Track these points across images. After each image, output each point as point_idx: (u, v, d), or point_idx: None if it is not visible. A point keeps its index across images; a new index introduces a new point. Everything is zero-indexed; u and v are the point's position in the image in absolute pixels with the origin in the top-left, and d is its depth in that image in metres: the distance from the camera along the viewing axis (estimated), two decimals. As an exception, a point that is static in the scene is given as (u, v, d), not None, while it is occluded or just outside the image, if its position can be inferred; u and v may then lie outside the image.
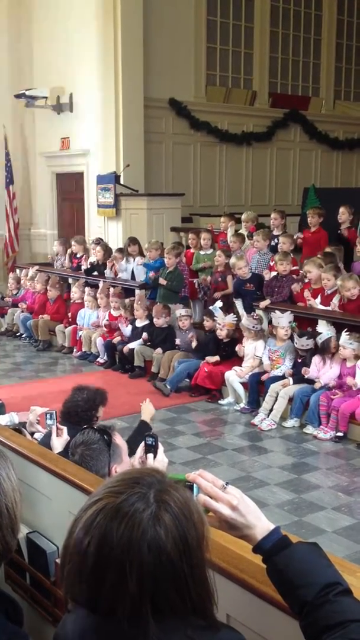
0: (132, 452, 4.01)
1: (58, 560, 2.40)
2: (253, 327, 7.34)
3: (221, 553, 1.67)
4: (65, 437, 3.29)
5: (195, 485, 1.44)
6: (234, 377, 7.32)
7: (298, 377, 6.79)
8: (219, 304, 8.04)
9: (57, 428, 3.33)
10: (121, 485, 1.24)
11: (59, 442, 3.25)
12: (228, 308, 8.31)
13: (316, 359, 6.71)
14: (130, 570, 1.15)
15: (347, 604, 1.28)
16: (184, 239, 10.70)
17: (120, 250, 10.03)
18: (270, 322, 7.38)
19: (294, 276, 7.82)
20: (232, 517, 1.43)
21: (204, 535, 1.24)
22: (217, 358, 7.56)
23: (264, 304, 7.57)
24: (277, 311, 7.21)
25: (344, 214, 8.60)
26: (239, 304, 8.17)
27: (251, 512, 1.45)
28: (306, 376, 6.67)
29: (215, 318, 7.82)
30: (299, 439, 6.39)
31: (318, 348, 6.74)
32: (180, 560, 1.18)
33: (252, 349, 7.34)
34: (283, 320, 7.05)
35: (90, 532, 1.19)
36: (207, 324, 7.96)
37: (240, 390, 7.27)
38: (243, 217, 9.59)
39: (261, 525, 1.44)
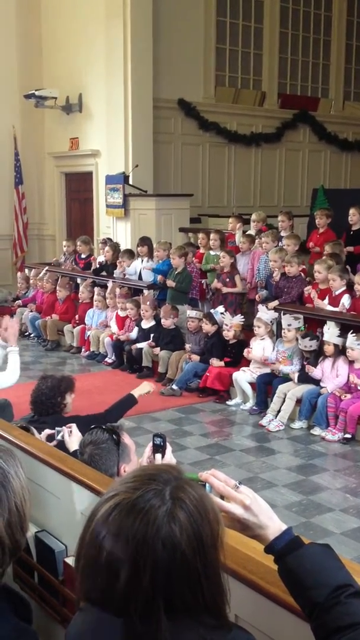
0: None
1: (67, 560, 2.41)
2: (271, 320, 7.33)
3: (231, 554, 1.67)
4: (77, 433, 3.32)
5: (207, 484, 1.44)
6: (242, 377, 7.31)
7: (302, 375, 6.78)
8: (220, 308, 8.04)
9: (69, 429, 3.36)
10: (137, 481, 1.24)
11: (73, 441, 3.28)
12: (236, 308, 8.31)
13: (324, 363, 6.69)
14: (144, 567, 1.15)
15: (358, 606, 1.28)
16: (193, 239, 10.70)
17: (127, 251, 10.02)
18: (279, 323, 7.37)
19: (303, 276, 7.82)
20: (245, 517, 1.43)
21: (219, 534, 1.24)
22: (221, 364, 7.56)
23: (272, 304, 7.56)
24: (286, 313, 7.21)
25: (354, 215, 8.56)
26: (261, 292, 8.22)
27: (263, 512, 1.45)
28: (310, 374, 6.65)
29: (219, 321, 7.81)
30: (306, 440, 6.38)
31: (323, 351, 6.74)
32: (194, 558, 1.18)
33: (260, 350, 7.32)
34: (295, 322, 7.04)
35: (105, 527, 1.20)
36: (206, 327, 7.90)
37: (248, 389, 7.26)
38: (253, 217, 9.58)
39: (273, 525, 1.44)
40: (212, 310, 8.16)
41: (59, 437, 3.39)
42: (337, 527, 4.68)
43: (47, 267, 11.15)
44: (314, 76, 14.96)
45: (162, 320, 8.36)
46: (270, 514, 1.46)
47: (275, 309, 7.50)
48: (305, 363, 6.84)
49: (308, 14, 14.53)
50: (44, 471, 2.58)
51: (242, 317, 7.83)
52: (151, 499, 1.19)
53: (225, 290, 8.47)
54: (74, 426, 3.38)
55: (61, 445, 3.37)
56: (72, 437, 3.30)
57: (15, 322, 4.97)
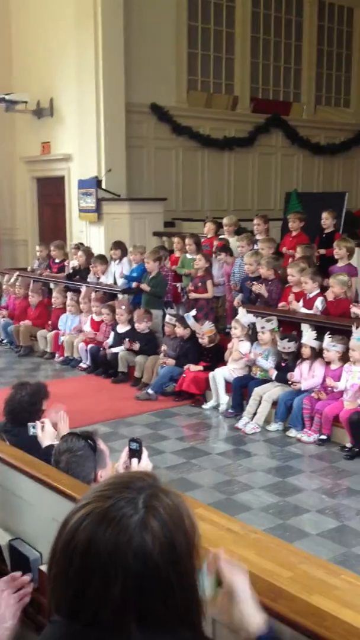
0: None
1: (42, 567, 2.38)
2: (248, 324, 7.33)
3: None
4: (50, 429, 3.30)
5: None
6: (219, 372, 7.28)
7: (279, 375, 6.81)
8: (192, 312, 8.04)
9: (42, 424, 3.34)
10: (111, 489, 1.21)
11: (45, 437, 3.26)
12: (208, 313, 8.32)
13: (302, 365, 6.72)
14: (115, 577, 1.12)
15: None
16: (167, 243, 10.70)
17: (99, 257, 9.98)
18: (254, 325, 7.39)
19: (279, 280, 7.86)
20: (239, 597, 1.38)
21: (195, 543, 1.21)
22: (200, 368, 7.55)
23: (238, 299, 7.62)
24: (259, 316, 7.24)
25: (327, 219, 8.63)
26: (238, 297, 8.23)
27: (253, 603, 1.41)
28: (291, 381, 6.66)
29: (192, 325, 7.80)
30: (283, 442, 6.39)
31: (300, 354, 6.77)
32: (167, 568, 1.15)
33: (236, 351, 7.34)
34: (267, 324, 7.07)
35: (77, 537, 1.16)
36: (179, 330, 7.87)
37: (222, 388, 7.23)
38: (225, 221, 9.59)
39: (259, 617, 1.40)
40: (184, 315, 8.15)
41: (31, 433, 3.36)
42: (314, 528, 4.69)
43: (17, 272, 11.06)
44: (285, 81, 15.08)
45: (136, 325, 8.33)
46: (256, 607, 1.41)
47: (251, 312, 7.52)
48: (283, 365, 6.87)
49: (279, 19, 14.65)
50: (17, 478, 2.54)
51: (212, 323, 7.83)
52: (123, 507, 1.16)
53: (193, 295, 8.47)
54: (46, 421, 3.36)
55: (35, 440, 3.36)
56: (45, 432, 3.28)
57: None
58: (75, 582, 1.16)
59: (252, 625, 1.37)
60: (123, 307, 8.60)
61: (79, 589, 1.15)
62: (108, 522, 1.15)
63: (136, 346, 8.19)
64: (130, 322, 8.55)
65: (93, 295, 9.29)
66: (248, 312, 7.43)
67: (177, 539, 1.17)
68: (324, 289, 7.35)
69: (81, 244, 11.00)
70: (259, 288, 7.68)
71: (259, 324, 7.12)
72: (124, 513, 1.16)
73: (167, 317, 8.15)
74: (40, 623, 2.36)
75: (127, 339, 8.30)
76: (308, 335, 6.69)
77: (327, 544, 4.47)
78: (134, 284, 8.92)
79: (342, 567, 4.10)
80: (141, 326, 8.26)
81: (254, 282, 7.79)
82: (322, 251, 8.42)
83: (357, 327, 6.27)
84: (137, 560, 1.13)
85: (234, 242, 9.03)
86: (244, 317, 7.38)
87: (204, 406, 7.37)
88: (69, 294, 9.83)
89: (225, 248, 8.82)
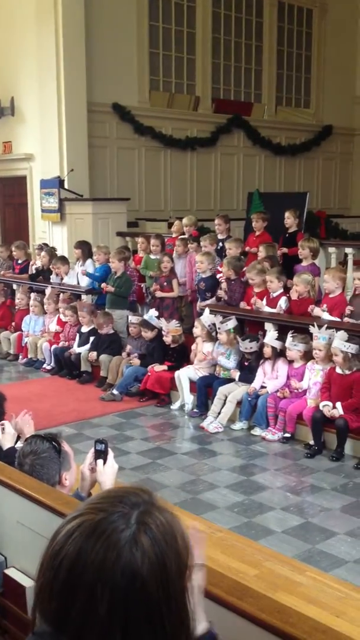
0: None
1: (7, 571, 2.36)
2: (209, 325, 7.35)
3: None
4: (10, 430, 3.26)
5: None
6: (185, 372, 7.29)
7: (243, 375, 6.86)
8: (153, 312, 8.04)
9: (2, 427, 3.30)
10: (104, 502, 1.18)
11: (6, 439, 3.22)
12: (173, 312, 8.33)
13: (264, 365, 6.78)
14: (102, 593, 1.09)
15: None
16: (131, 243, 10.68)
17: (60, 258, 9.91)
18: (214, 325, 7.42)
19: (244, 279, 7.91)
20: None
21: (187, 564, 1.18)
22: (164, 367, 7.56)
23: (203, 304, 7.68)
24: (219, 316, 7.29)
25: (289, 218, 8.71)
26: (200, 300, 8.26)
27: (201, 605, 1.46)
28: (251, 392, 6.72)
29: (156, 324, 7.80)
30: (247, 440, 6.44)
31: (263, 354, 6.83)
32: (156, 588, 1.11)
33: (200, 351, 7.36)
34: (223, 325, 7.11)
35: (65, 549, 1.13)
36: (146, 334, 7.86)
37: (186, 387, 7.25)
38: (184, 221, 9.60)
39: (204, 620, 1.47)
40: (145, 316, 8.13)
41: None
42: (279, 526, 4.73)
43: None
44: (246, 81, 15.17)
45: (99, 331, 8.30)
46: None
47: (213, 311, 7.55)
48: (246, 364, 6.92)
49: (240, 19, 14.73)
50: (-19, 482, 2.51)
51: (178, 322, 7.85)
52: (115, 521, 1.13)
53: (159, 294, 8.48)
54: (6, 423, 3.32)
55: None
56: (5, 435, 3.25)
57: None
58: (60, 596, 1.12)
59: (199, 624, 1.41)
60: (85, 309, 8.55)
61: (65, 603, 1.12)
62: (98, 536, 1.12)
63: (93, 356, 8.17)
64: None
65: (61, 296, 9.24)
66: (210, 312, 7.46)
67: (168, 558, 1.14)
68: (287, 288, 7.43)
69: (45, 244, 10.92)
70: (222, 294, 7.74)
71: (216, 324, 7.18)
72: (114, 528, 1.13)
73: (132, 318, 8.14)
74: (5, 627, 2.34)
75: (91, 338, 8.28)
76: (270, 335, 6.75)
77: (292, 541, 4.52)
78: (102, 286, 8.86)
79: (307, 563, 4.15)
80: (103, 331, 8.24)
81: (223, 280, 7.82)
82: (285, 250, 8.50)
83: (319, 328, 6.35)
84: (124, 577, 1.10)
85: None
86: (206, 317, 7.42)
87: (171, 406, 7.37)
88: (32, 295, 9.75)
89: (199, 239, 8.84)
